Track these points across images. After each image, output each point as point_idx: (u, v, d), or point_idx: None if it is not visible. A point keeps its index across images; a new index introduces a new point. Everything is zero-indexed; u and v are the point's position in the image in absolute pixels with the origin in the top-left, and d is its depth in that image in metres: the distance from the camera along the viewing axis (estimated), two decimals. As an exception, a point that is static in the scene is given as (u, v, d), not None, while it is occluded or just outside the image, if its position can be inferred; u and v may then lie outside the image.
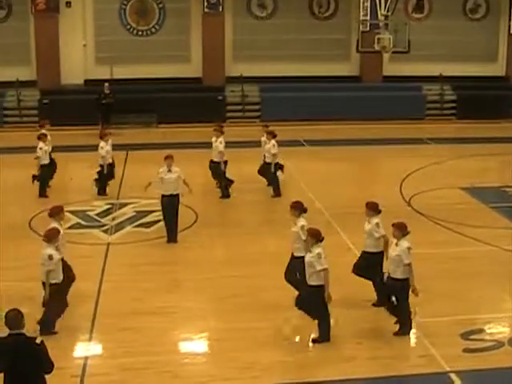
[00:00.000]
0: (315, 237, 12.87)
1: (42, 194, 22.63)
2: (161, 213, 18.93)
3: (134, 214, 20.70)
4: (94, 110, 32.37)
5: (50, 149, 23.23)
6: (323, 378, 11.96)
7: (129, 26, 36.12)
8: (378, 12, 28.69)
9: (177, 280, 16.14)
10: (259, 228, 19.40)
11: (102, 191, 22.56)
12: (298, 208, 14.65)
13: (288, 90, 35.24)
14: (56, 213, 14.70)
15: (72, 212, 20.97)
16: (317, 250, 12.72)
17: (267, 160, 22.80)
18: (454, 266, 16.33)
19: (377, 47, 29.06)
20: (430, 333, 13.25)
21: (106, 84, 32.99)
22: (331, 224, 19.69)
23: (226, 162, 22.44)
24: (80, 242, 18.24)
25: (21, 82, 34.30)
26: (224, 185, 22.47)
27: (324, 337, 12.97)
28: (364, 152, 28.96)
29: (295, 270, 14.03)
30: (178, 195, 18.58)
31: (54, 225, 14.15)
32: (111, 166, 22.78)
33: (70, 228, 19.70)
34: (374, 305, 14.45)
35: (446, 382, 11.76)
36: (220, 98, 35.16)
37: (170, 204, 18.38)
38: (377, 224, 14.27)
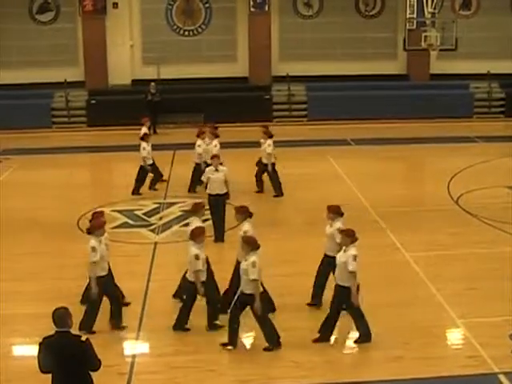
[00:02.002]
0: (251, 244, 12.56)
1: (136, 192, 22.76)
2: (207, 212, 19.00)
3: (181, 213, 20.78)
4: (142, 109, 32.52)
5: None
6: (370, 377, 11.92)
7: (175, 26, 36.28)
8: (425, 10, 28.50)
9: (224, 279, 16.13)
10: (305, 227, 19.31)
11: (136, 191, 22.72)
12: (243, 212, 14.48)
13: (334, 89, 35.11)
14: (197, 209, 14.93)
15: (120, 211, 21.16)
16: (252, 258, 12.38)
17: (264, 161, 22.52)
18: (503, 266, 16.10)
19: (424, 45, 28.86)
20: (478, 333, 13.11)
21: (153, 83, 33.15)
22: (378, 223, 19.60)
23: (273, 164, 22.32)
24: (127, 241, 18.38)
25: (69, 82, 34.64)
26: (275, 185, 22.38)
27: (273, 344, 12.71)
28: (411, 151, 28.76)
29: None
30: (224, 194, 18.63)
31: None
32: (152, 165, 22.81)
33: (117, 227, 19.87)
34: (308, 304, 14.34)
35: (495, 383, 11.63)
36: (267, 97, 35.16)
37: (217, 203, 18.44)
38: (339, 228, 13.76)
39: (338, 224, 14.06)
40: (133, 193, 22.69)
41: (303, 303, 14.28)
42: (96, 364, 9.18)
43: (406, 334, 13.19)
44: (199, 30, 36.45)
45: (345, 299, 12.72)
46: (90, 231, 13.54)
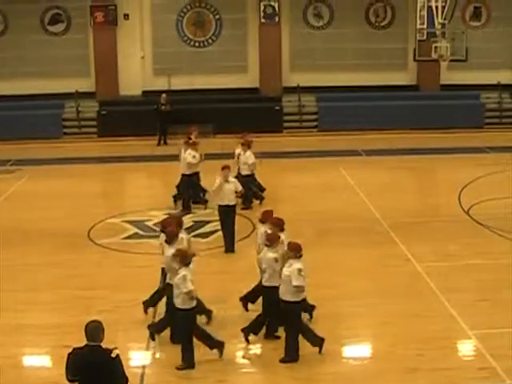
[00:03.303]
0: (183, 259, 12.46)
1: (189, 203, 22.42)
2: (218, 223, 19.02)
3: (192, 223, 20.77)
4: (153, 119, 32.61)
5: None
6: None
7: (186, 38, 36.35)
8: (435, 20, 28.45)
9: (235, 290, 16.12)
10: (316, 238, 19.26)
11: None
12: (178, 223, 14.50)
13: (345, 100, 35.12)
14: (267, 217, 14.80)
15: (130, 222, 21.17)
16: (183, 271, 12.28)
17: (243, 172, 22.27)
18: (515, 277, 16.07)
19: (434, 56, 28.81)
20: (490, 345, 13.04)
21: (164, 95, 33.21)
22: (389, 234, 19.56)
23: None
24: (138, 252, 18.40)
25: (80, 93, 34.75)
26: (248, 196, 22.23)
27: (188, 364, 12.47)
28: (422, 161, 28.72)
29: None
30: (234, 205, 18.64)
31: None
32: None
33: (127, 238, 19.91)
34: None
35: (507, 394, 11.61)
36: (277, 108, 35.17)
37: (227, 214, 18.44)
38: (282, 241, 13.61)
39: (282, 236, 13.94)
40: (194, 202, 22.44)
41: (315, 315, 14.22)
42: (123, 381, 9.16)
43: (418, 346, 13.13)
44: (210, 41, 36.51)
45: (287, 315, 12.57)
46: (168, 241, 13.57)
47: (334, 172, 26.67)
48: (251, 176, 22.35)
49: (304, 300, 12.88)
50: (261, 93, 36.12)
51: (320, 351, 12.77)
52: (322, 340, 12.83)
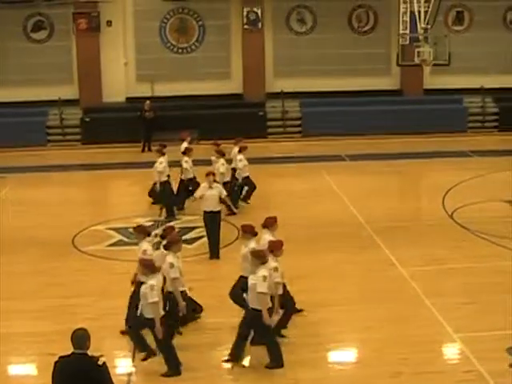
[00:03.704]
0: (149, 268, 12.50)
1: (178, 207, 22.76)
2: (203, 229, 19.02)
3: (177, 230, 20.73)
4: (137, 125, 32.56)
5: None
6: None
7: (169, 44, 36.34)
8: (418, 25, 28.53)
9: (220, 296, 16.09)
10: (301, 244, 19.25)
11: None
12: (249, 232, 14.43)
13: (329, 105, 35.15)
14: (271, 224, 14.77)
15: (115, 229, 21.14)
16: (151, 281, 12.24)
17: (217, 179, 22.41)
18: (499, 280, 16.11)
19: (417, 60, 28.89)
20: (475, 348, 13.09)
21: (148, 101, 33.21)
22: (374, 238, 19.61)
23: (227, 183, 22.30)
24: (123, 259, 18.34)
25: (63, 100, 34.65)
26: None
27: (172, 371, 12.57)
28: (406, 166, 28.81)
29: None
30: (219, 211, 18.65)
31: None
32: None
33: (112, 245, 19.89)
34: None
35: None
36: (261, 113, 35.20)
37: (212, 220, 18.46)
38: (253, 248, 13.64)
39: (252, 244, 14.04)
40: (178, 208, 22.67)
41: (302, 320, 14.24)
42: None
43: (403, 350, 13.18)
44: (193, 47, 36.50)
45: (255, 323, 12.51)
46: (166, 247, 13.54)
47: (317, 177, 26.71)
48: (225, 184, 22.21)
49: (270, 308, 12.65)
50: (244, 99, 36.14)
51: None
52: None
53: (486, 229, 19.94)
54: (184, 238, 20.07)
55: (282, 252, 13.42)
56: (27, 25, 35.53)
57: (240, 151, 22.97)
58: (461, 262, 17.75)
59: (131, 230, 20.75)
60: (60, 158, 31.60)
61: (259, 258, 12.60)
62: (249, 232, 14.41)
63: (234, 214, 21.49)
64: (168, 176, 22.62)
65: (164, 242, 14.09)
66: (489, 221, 20.68)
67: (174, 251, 13.49)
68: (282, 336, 13.43)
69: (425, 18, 28.18)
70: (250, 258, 12.82)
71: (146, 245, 14.32)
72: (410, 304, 15.27)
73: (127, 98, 36.23)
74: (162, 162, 22.13)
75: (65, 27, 35.50)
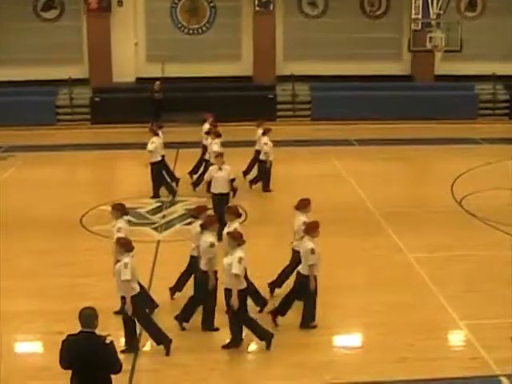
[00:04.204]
0: (237, 240, 12.57)
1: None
2: (211, 211, 19.00)
3: (185, 211, 20.77)
4: (146, 106, 32.52)
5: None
6: (374, 378, 11.88)
7: (180, 25, 36.28)
8: (430, 10, 28.42)
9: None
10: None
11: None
12: (233, 213, 14.46)
13: (338, 89, 35.10)
14: (304, 205, 14.84)
15: (123, 209, 21.13)
16: (126, 259, 12.30)
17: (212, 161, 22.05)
18: (506, 269, 16.08)
19: (429, 46, 28.79)
20: (480, 335, 13.10)
21: (157, 82, 33.19)
22: (381, 224, 19.59)
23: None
24: (131, 239, 18.34)
25: (73, 80, 34.67)
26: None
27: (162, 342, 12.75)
28: (415, 152, 28.73)
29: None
30: (228, 193, 18.64)
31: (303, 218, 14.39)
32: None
33: (120, 225, 19.87)
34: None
35: (497, 385, 11.66)
36: (270, 96, 35.15)
37: (220, 202, 18.43)
38: (235, 228, 13.76)
39: (235, 225, 14.03)
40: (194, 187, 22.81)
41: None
42: (117, 367, 9.22)
43: (409, 336, 13.18)
44: (204, 28, 36.44)
45: (227, 303, 12.60)
46: (204, 227, 13.52)
47: (326, 161, 26.67)
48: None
49: (246, 289, 12.72)
50: (254, 81, 36.07)
51: (268, 347, 12.72)
52: (272, 335, 12.83)
53: (494, 217, 19.88)
54: (191, 219, 20.10)
55: (319, 233, 13.47)
56: (37, 4, 35.53)
57: (264, 133, 22.90)
58: (468, 249, 17.71)
59: (139, 210, 20.99)
60: (69, 138, 31.63)
61: (236, 239, 12.63)
62: (233, 213, 14.44)
63: (269, 191, 22.41)
64: (162, 156, 22.58)
65: (198, 222, 14.03)
66: (497, 209, 20.61)
67: (211, 230, 13.51)
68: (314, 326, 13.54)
69: (437, 3, 28.07)
70: (228, 239, 12.87)
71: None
72: (417, 290, 15.25)
73: (137, 79, 36.22)
74: (153, 142, 22.00)
75: (75, 7, 35.47)
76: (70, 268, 16.35)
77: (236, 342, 12.75)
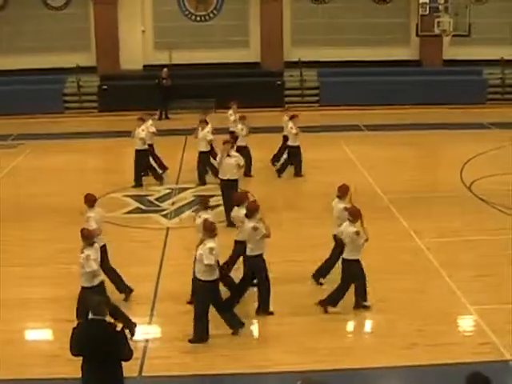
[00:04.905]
0: (210, 231, 12.57)
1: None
2: (220, 197, 19.03)
3: (194, 198, 20.79)
4: (154, 93, 32.49)
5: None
6: (384, 364, 11.91)
7: (187, 12, 36.19)
8: (438, -5, 28.36)
9: (236, 264, 16.15)
10: (320, 213, 19.20)
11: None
12: (88, 200, 14.78)
13: (347, 75, 35.00)
14: (345, 192, 14.90)
15: (132, 196, 21.19)
16: (87, 251, 12.35)
17: (200, 149, 22.28)
18: (516, 253, 16.08)
19: (437, 31, 28.71)
20: (490, 320, 13.10)
21: (165, 69, 33.15)
22: (390, 209, 19.56)
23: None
24: (140, 227, 18.41)
25: (81, 68, 34.64)
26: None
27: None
28: (424, 137, 28.64)
29: None
30: (236, 180, 18.62)
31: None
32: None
33: (129, 212, 19.94)
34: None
35: (507, 370, 11.63)
36: (279, 82, 35.07)
37: (229, 188, 18.42)
38: (206, 218, 13.68)
39: (206, 215, 14.04)
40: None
41: (318, 290, 14.25)
42: (128, 354, 9.27)
43: (419, 321, 13.20)
44: (211, 15, 36.34)
45: (206, 294, 12.53)
46: (248, 214, 13.60)
47: (335, 147, 26.65)
48: (208, 153, 22.32)
49: (217, 280, 12.69)
50: (262, 67, 36.00)
51: (234, 333, 12.78)
52: (242, 324, 12.87)
53: (503, 201, 19.83)
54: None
55: (360, 218, 13.55)
56: (45, -8, 35.49)
57: (291, 119, 23.01)
58: (478, 234, 17.67)
59: (148, 197, 21.02)
60: (77, 126, 31.64)
61: (210, 230, 12.62)
62: (204, 203, 14.62)
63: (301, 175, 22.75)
64: (150, 145, 22.73)
65: (241, 208, 14.24)
66: (507, 193, 20.53)
67: (255, 217, 13.57)
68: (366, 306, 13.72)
69: (445, -13, 27.96)
70: (202, 228, 12.84)
71: (92, 213, 14.49)
72: (427, 275, 15.25)
73: (144, 66, 36.19)
74: (143, 130, 22.20)
75: (83, -6, 35.44)
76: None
77: (198, 339, 12.70)
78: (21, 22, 34.91)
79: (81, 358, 9.30)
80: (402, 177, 22.99)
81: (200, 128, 22.27)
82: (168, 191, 21.66)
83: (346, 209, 14.05)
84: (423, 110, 33.21)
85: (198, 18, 36.32)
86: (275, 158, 23.91)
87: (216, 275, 12.57)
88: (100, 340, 9.03)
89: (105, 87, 34.43)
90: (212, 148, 22.52)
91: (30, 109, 32.73)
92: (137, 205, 20.51)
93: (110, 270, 14.02)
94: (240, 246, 14.17)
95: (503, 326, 12.83)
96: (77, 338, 9.21)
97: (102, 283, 12.62)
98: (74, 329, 9.29)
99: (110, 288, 13.49)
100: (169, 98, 32.58)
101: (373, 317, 13.70)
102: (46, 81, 34.16)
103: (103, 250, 13.59)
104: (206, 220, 13.14)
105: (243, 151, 21.74)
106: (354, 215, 13.49)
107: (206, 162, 22.36)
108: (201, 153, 22.17)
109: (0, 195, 21.27)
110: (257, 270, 13.55)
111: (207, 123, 22.43)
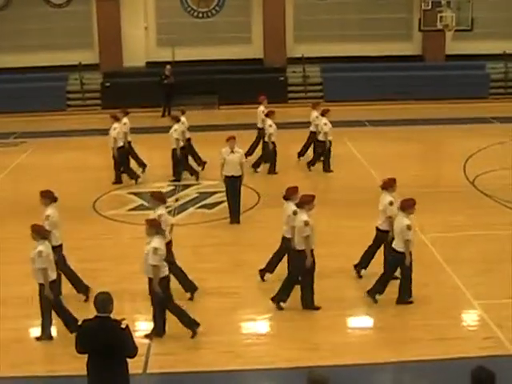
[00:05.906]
0: (38, 234, 12.68)
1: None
2: (223, 194, 19.04)
3: (197, 195, 20.81)
4: (157, 90, 32.48)
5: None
6: (390, 359, 11.92)
7: (189, 8, 36.16)
8: (441, -11, 28.33)
9: (240, 260, 16.18)
10: (322, 209, 19.18)
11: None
12: (46, 197, 14.83)
13: (350, 70, 35.01)
14: (390, 185, 15.00)
15: (136, 193, 21.20)
16: (40, 246, 12.48)
17: (173, 146, 22.19)
18: (520, 248, 16.07)
19: (439, 26, 28.68)
20: (495, 315, 13.12)
21: (168, 66, 33.13)
22: (394, 205, 19.50)
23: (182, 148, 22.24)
24: (144, 224, 18.37)
25: (83, 65, 34.66)
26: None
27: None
28: (427, 132, 28.62)
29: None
30: (240, 176, 18.62)
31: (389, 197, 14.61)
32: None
33: (133, 209, 19.95)
34: None
35: (512, 364, 11.66)
36: (281, 78, 35.05)
37: (233, 185, 18.44)
38: (160, 214, 14.01)
39: (160, 211, 14.14)
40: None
41: (322, 285, 14.25)
42: (133, 351, 9.28)
43: (423, 316, 13.21)
44: (213, 11, 36.31)
45: (153, 292, 12.55)
46: (299, 206, 13.68)
47: (339, 143, 26.55)
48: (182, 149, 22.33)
49: (166, 277, 12.64)
50: (265, 64, 35.97)
51: (193, 336, 12.70)
52: (198, 325, 12.81)
53: (507, 196, 19.83)
54: (203, 203, 20.18)
55: (414, 210, 13.63)
56: (47, -11, 35.49)
57: (323, 114, 23.32)
58: (481, 228, 17.67)
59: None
60: (80, 123, 31.65)
61: (154, 227, 12.63)
62: (158, 199, 14.65)
63: (331, 171, 22.98)
64: (129, 142, 22.89)
65: (291, 204, 14.31)
66: (510, 188, 20.53)
67: (307, 210, 13.62)
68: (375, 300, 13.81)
69: (448, -18, 27.93)
70: (146, 226, 12.80)
71: (50, 210, 14.66)
72: (431, 270, 15.23)
73: (147, 63, 36.18)
74: (115, 128, 22.42)
75: (85, -9, 35.44)
76: (83, 252, 16.39)
77: (159, 331, 12.75)
78: (23, 20, 34.89)
79: (86, 356, 9.31)
80: (405, 172, 22.88)
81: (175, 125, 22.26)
82: (172, 188, 21.67)
83: (391, 203, 14.13)
84: (426, 104, 33.16)
85: (201, 15, 36.30)
86: (301, 153, 24.13)
87: (165, 273, 12.53)
88: (105, 337, 9.04)
89: (108, 84, 34.45)
90: (189, 145, 22.89)
91: (32, 106, 32.79)
92: (141, 202, 20.52)
93: (176, 269, 13.97)
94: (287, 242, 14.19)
95: (507, 321, 12.83)
96: (82, 335, 9.22)
97: (56, 280, 12.78)
98: (79, 326, 9.31)
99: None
100: (172, 95, 32.55)
101: (377, 311, 13.69)
102: (48, 78, 34.15)
103: (168, 246, 13.56)
104: (152, 219, 13.07)
105: (268, 148, 22.38)
106: (409, 207, 13.53)
107: (177, 159, 22.24)
108: (173, 150, 22.09)
109: (3, 193, 21.29)
110: (299, 266, 13.50)
111: (178, 121, 22.32)
